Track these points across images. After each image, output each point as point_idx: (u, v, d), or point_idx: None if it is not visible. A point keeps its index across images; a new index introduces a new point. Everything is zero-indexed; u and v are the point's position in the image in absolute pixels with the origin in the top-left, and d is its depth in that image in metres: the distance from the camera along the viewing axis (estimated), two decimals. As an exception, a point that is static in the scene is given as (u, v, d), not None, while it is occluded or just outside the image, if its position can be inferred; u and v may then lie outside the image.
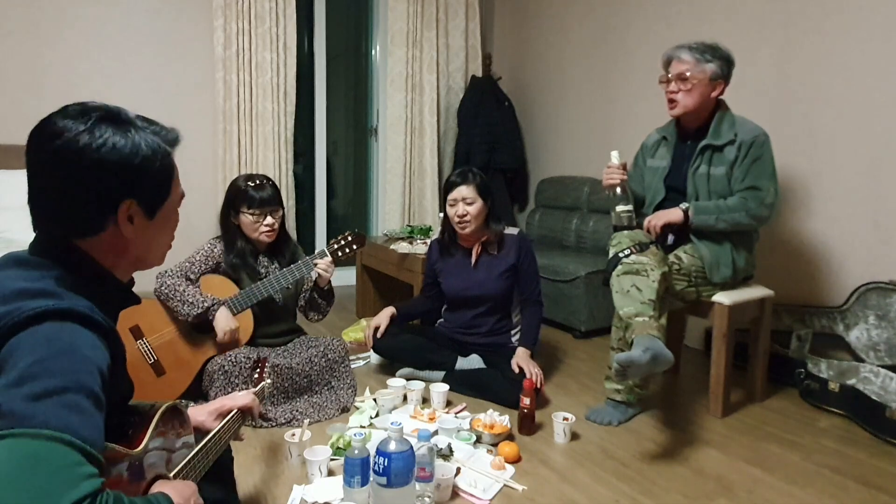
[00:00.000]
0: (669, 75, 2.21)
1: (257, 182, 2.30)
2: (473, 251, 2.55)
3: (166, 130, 0.97)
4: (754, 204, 2.13)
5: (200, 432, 1.20)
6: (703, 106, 2.20)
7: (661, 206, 2.31)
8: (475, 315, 2.56)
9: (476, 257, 2.54)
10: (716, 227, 2.16)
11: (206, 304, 2.16)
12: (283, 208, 2.38)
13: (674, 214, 2.17)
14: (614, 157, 2.21)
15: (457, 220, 2.47)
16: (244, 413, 1.35)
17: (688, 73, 2.16)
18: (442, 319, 2.71)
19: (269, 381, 1.62)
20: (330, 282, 2.43)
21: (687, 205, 2.17)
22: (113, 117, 0.91)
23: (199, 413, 1.27)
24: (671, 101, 2.22)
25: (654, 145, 2.41)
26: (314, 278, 2.38)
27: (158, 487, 0.90)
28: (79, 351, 0.78)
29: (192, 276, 2.26)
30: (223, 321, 2.18)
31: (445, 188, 2.51)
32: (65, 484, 0.67)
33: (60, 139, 0.87)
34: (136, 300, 1.01)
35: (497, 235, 2.52)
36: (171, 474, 0.98)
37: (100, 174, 0.87)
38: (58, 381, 0.73)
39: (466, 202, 2.44)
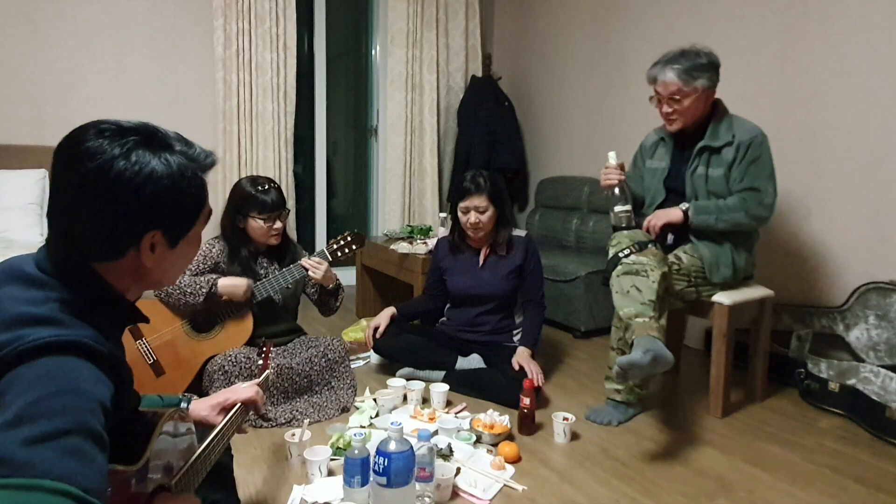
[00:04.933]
0: (660, 95, 2.18)
1: (265, 186, 2.29)
2: (482, 252, 2.57)
3: (204, 154, 0.92)
4: (753, 204, 2.13)
5: (203, 427, 1.18)
6: (701, 114, 2.20)
7: (661, 208, 2.31)
8: (479, 313, 2.57)
9: (484, 258, 2.55)
10: (716, 228, 2.16)
11: (205, 288, 2.16)
12: (289, 211, 2.38)
13: (673, 214, 2.17)
14: (612, 158, 2.20)
15: (469, 226, 2.47)
16: (247, 407, 1.32)
17: (678, 95, 2.13)
18: (444, 318, 2.72)
19: (272, 367, 1.58)
20: (338, 280, 2.43)
21: (687, 205, 2.16)
22: (150, 141, 0.85)
23: (201, 407, 1.25)
24: (669, 119, 2.21)
25: (652, 146, 2.41)
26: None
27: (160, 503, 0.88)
28: (80, 388, 0.73)
29: (187, 275, 2.26)
30: (231, 287, 2.19)
31: (458, 194, 2.50)
32: None
33: (94, 161, 0.81)
34: (143, 319, 0.96)
35: (506, 237, 2.53)
36: (174, 480, 0.97)
37: (131, 204, 0.83)
38: (58, 422, 0.68)
39: (479, 211, 2.44)
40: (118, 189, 0.82)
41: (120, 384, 0.82)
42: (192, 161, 0.89)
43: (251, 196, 2.27)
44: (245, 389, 1.32)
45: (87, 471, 0.68)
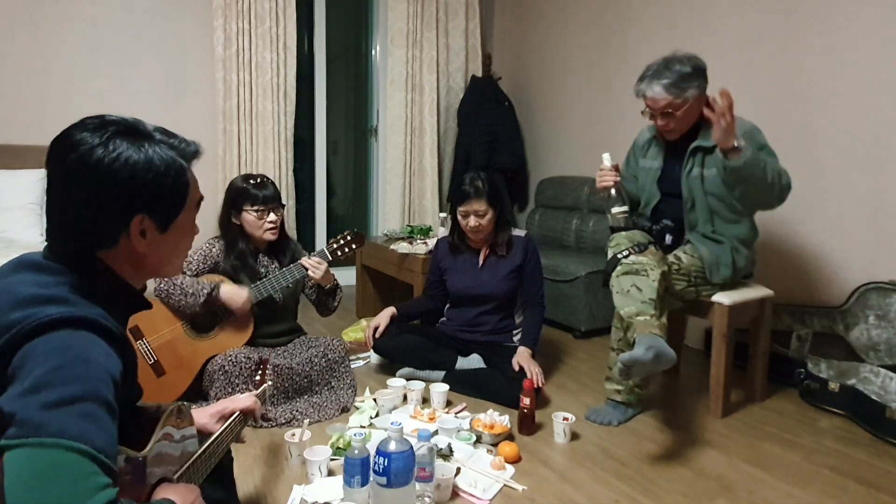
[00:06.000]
0: (651, 109, 2.16)
1: (258, 180, 2.31)
2: (482, 252, 2.57)
3: (185, 144, 0.96)
4: (786, 177, 2.08)
5: (203, 435, 1.20)
6: (696, 119, 2.18)
7: (656, 209, 2.32)
8: (479, 313, 2.57)
9: (484, 258, 2.56)
10: (757, 172, 1.99)
11: (206, 290, 2.16)
12: (284, 206, 2.39)
13: (730, 138, 1.93)
14: (606, 160, 2.19)
15: (469, 229, 2.48)
16: (246, 415, 1.36)
17: (669, 109, 2.12)
18: (444, 318, 2.72)
19: (270, 382, 1.62)
20: (335, 280, 2.43)
21: (742, 143, 1.96)
22: (129, 131, 0.90)
23: (201, 416, 1.27)
24: (666, 131, 2.20)
25: (645, 144, 2.39)
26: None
27: (162, 492, 0.90)
28: (93, 359, 0.78)
29: (188, 275, 2.25)
30: (232, 296, 2.19)
31: (457, 197, 2.49)
32: (83, 494, 0.68)
33: (76, 152, 0.86)
34: (147, 305, 1.00)
35: (505, 238, 2.53)
36: (175, 477, 0.98)
37: (111, 189, 0.87)
38: (73, 389, 0.73)
39: (478, 215, 2.44)
40: (97, 176, 0.87)
41: (127, 362, 0.86)
42: (172, 149, 0.94)
43: (243, 189, 2.29)
44: (244, 399, 1.36)
45: (101, 434, 0.73)
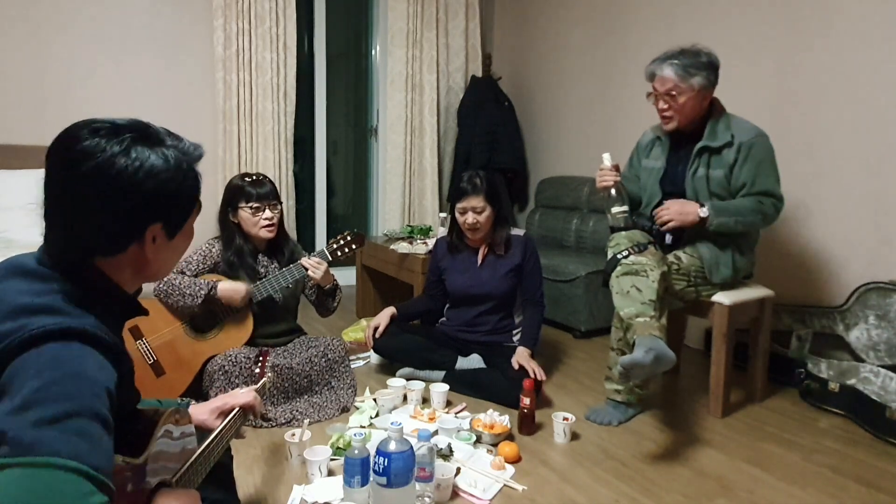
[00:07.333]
0: (656, 92, 2.18)
1: (255, 178, 2.32)
2: (480, 251, 2.57)
3: (192, 147, 0.95)
4: (770, 209, 2.15)
5: (202, 431, 1.19)
6: (697, 115, 2.19)
7: (657, 208, 2.31)
8: (478, 313, 2.57)
9: (482, 257, 2.56)
10: (734, 230, 2.14)
11: (204, 290, 2.16)
12: (281, 204, 2.39)
13: (689, 217, 2.10)
14: (606, 159, 2.19)
15: (467, 227, 2.48)
16: (246, 411, 1.34)
17: (674, 91, 2.13)
18: (444, 318, 2.72)
19: (270, 374, 1.60)
20: (335, 281, 2.43)
21: (706, 210, 2.09)
22: (144, 136, 0.87)
23: (200, 412, 1.26)
24: (664, 117, 2.21)
25: (648, 144, 2.40)
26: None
27: (162, 499, 0.88)
28: (86, 373, 0.75)
29: (188, 275, 2.26)
30: (230, 293, 2.19)
31: (456, 194, 2.50)
32: None
33: (93, 160, 0.82)
34: (143, 311, 0.98)
35: (504, 237, 2.53)
36: (174, 479, 0.97)
37: (135, 199, 0.85)
38: (66, 405, 0.70)
39: (476, 211, 2.44)
40: (120, 186, 0.84)
41: (122, 372, 0.84)
42: (184, 154, 0.92)
43: (238, 187, 2.30)
44: (243, 395, 1.34)
45: (95, 451, 0.70)
